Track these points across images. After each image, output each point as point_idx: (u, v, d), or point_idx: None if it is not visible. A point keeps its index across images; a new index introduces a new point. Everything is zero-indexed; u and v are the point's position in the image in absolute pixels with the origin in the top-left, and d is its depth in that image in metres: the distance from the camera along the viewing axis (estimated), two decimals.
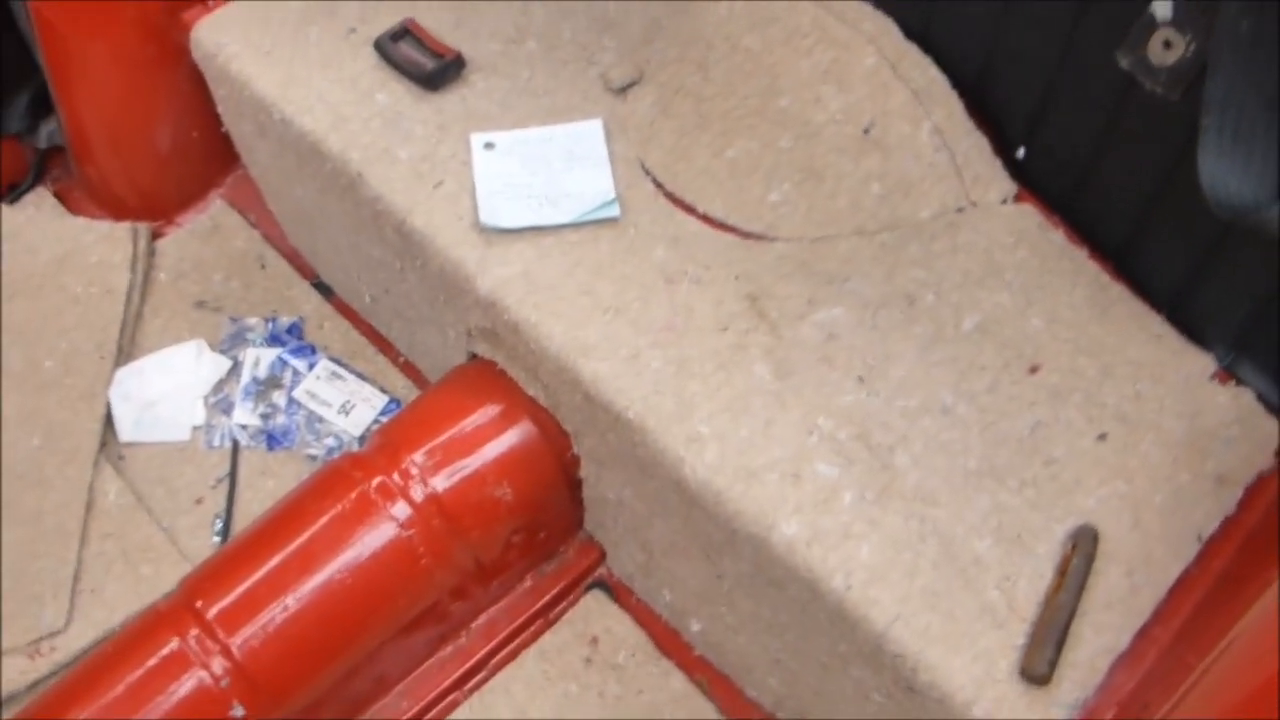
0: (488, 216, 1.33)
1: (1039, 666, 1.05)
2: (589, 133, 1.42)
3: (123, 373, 1.60)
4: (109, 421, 1.56)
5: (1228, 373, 1.26)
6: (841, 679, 1.20)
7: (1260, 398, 1.23)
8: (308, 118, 1.43)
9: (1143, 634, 1.09)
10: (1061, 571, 1.11)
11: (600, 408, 1.23)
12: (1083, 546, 1.11)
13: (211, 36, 1.52)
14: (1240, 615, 0.99)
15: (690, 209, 1.38)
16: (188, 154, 1.75)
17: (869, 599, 1.10)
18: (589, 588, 1.48)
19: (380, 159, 1.39)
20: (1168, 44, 1.15)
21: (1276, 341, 1.22)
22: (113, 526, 1.48)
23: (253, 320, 1.68)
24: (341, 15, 1.54)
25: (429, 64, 1.46)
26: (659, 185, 1.39)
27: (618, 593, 1.48)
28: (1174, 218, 1.26)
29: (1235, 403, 1.22)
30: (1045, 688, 1.05)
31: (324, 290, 1.72)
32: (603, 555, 1.49)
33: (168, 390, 1.59)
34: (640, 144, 1.43)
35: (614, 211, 1.35)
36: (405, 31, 1.49)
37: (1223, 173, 1.09)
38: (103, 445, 1.54)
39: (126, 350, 1.63)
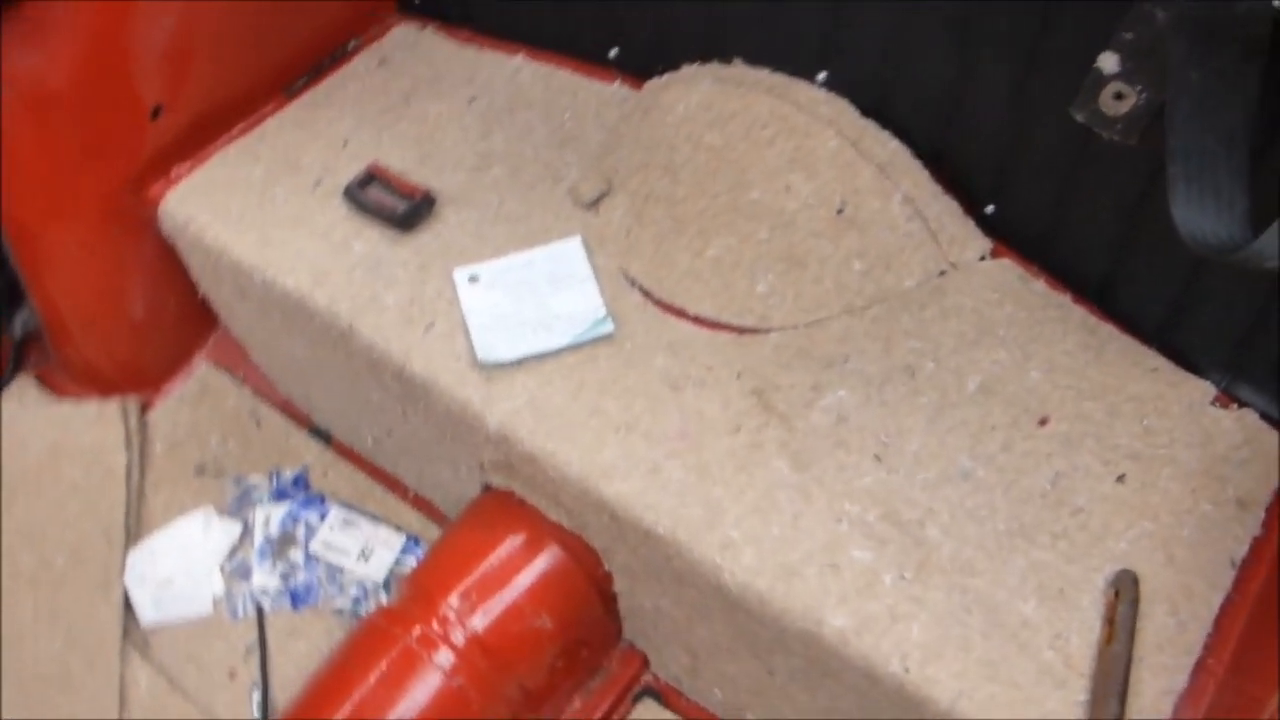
0: (485, 353, 1.34)
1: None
2: (569, 251, 1.44)
3: (134, 555, 1.58)
4: (128, 607, 1.54)
5: (1228, 395, 1.29)
6: None
7: (1264, 416, 1.26)
8: (290, 278, 1.44)
9: (1198, 669, 1.11)
10: (1109, 620, 1.13)
11: (629, 526, 1.24)
12: (1125, 592, 1.13)
13: (180, 209, 1.53)
14: None
15: (681, 312, 1.40)
16: (165, 322, 1.75)
17: (928, 679, 1.10)
18: (638, 697, 1.47)
19: (369, 308, 1.40)
20: (1119, 95, 1.19)
21: (1270, 358, 1.25)
22: (147, 714, 1.46)
23: (256, 478, 1.67)
24: (305, 170, 1.56)
25: (400, 206, 1.48)
26: (646, 293, 1.42)
27: (667, 696, 1.47)
28: (1149, 252, 1.30)
29: (1240, 424, 1.25)
30: None
31: (323, 436, 1.72)
32: (646, 662, 1.49)
33: (182, 565, 1.58)
34: (620, 255, 1.45)
35: (608, 328, 1.37)
36: (371, 176, 1.51)
37: (1195, 218, 1.12)
38: (126, 634, 1.51)
39: (134, 530, 1.61)
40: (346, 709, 1.26)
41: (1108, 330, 1.34)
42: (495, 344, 1.35)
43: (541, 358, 1.35)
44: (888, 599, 1.15)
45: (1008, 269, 1.40)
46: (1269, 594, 1.16)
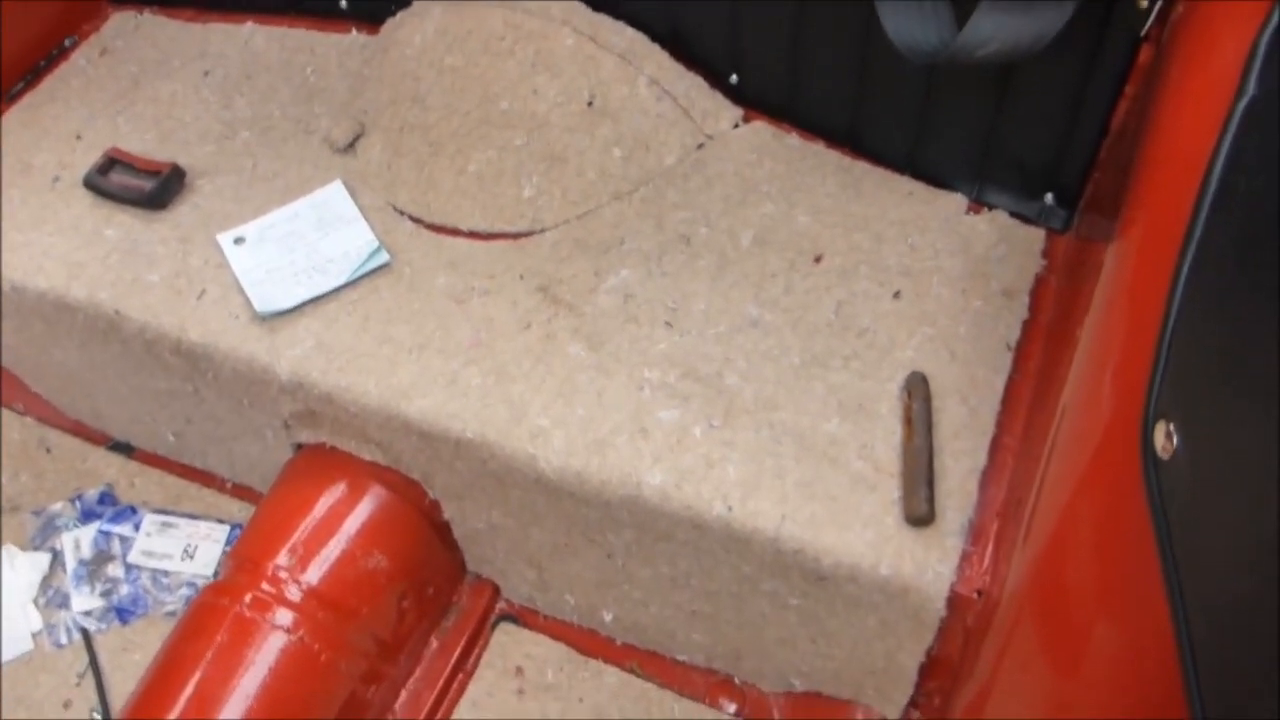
0: (262, 304, 1.30)
1: (919, 509, 1.11)
2: (332, 196, 1.42)
3: None
4: None
5: (978, 203, 1.36)
6: (756, 601, 1.23)
7: (1013, 214, 1.34)
8: (40, 278, 1.37)
9: (995, 446, 1.17)
10: (907, 420, 1.18)
11: (439, 441, 1.23)
12: (917, 391, 1.18)
13: None
14: (1058, 398, 1.07)
15: (455, 231, 1.39)
16: None
17: (751, 512, 1.13)
18: (495, 625, 1.46)
19: (132, 289, 1.34)
20: None
21: (1009, 160, 1.33)
22: None
23: (57, 505, 1.58)
24: (38, 170, 1.48)
25: (148, 184, 1.42)
26: (417, 220, 1.40)
27: (524, 618, 1.47)
28: (883, 89, 1.36)
29: (994, 225, 1.33)
30: (933, 525, 1.11)
31: (123, 449, 1.64)
32: (496, 590, 1.47)
33: None
34: (385, 189, 1.43)
35: (384, 258, 1.35)
36: (112, 161, 1.45)
37: (905, 27, 1.19)
38: None
39: None
40: (187, 692, 1.20)
41: (862, 167, 1.40)
42: (272, 295, 1.31)
43: (322, 300, 1.32)
44: (700, 449, 1.18)
45: (761, 131, 1.44)
46: (1051, 358, 1.23)
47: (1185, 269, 0.79)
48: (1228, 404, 0.72)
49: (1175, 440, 0.75)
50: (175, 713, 1.19)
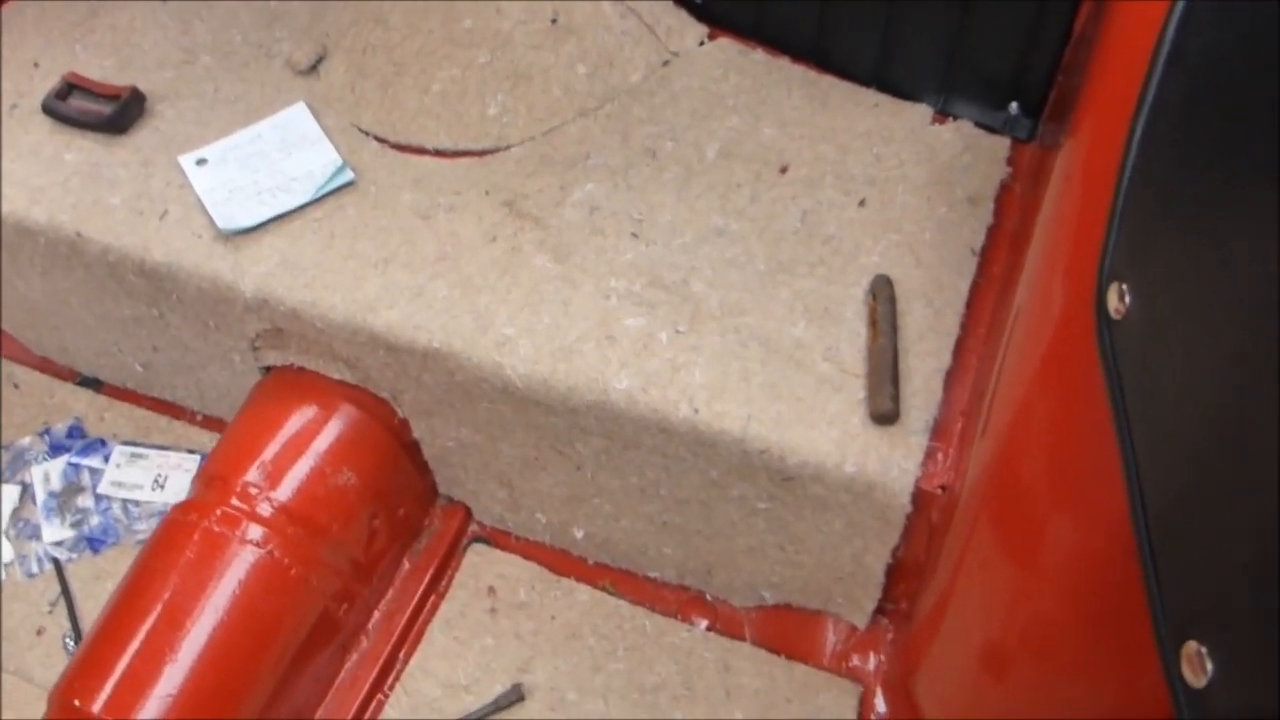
0: (225, 222, 1.29)
1: (884, 405, 1.11)
2: (295, 117, 1.41)
3: None
4: None
5: (943, 114, 1.36)
6: (725, 507, 1.23)
7: (978, 124, 1.34)
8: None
9: (960, 347, 1.18)
10: (872, 322, 1.18)
11: (406, 353, 1.23)
12: (881, 292, 1.19)
13: None
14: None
15: (420, 150, 1.39)
16: None
17: (718, 413, 1.14)
18: (467, 547, 1.46)
19: (93, 212, 1.33)
20: None
21: (975, 70, 1.33)
22: None
23: (26, 440, 1.57)
24: None
25: (107, 109, 1.41)
26: (382, 140, 1.39)
27: (496, 539, 1.47)
28: (848, 2, 1.35)
29: (959, 134, 1.33)
30: (897, 423, 1.12)
31: (92, 384, 1.63)
32: (468, 512, 1.47)
33: None
34: (349, 110, 1.42)
35: (348, 176, 1.34)
36: (70, 86, 1.43)
37: None
38: None
39: None
40: (160, 604, 1.20)
41: (828, 81, 1.40)
42: (235, 214, 1.31)
43: (287, 218, 1.31)
44: (666, 354, 1.18)
45: (726, 47, 1.44)
46: (1014, 263, 1.23)
47: (1138, 133, 0.79)
48: (1178, 262, 0.73)
49: (1128, 300, 0.75)
50: (146, 626, 1.19)
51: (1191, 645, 0.62)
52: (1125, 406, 0.75)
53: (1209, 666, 0.61)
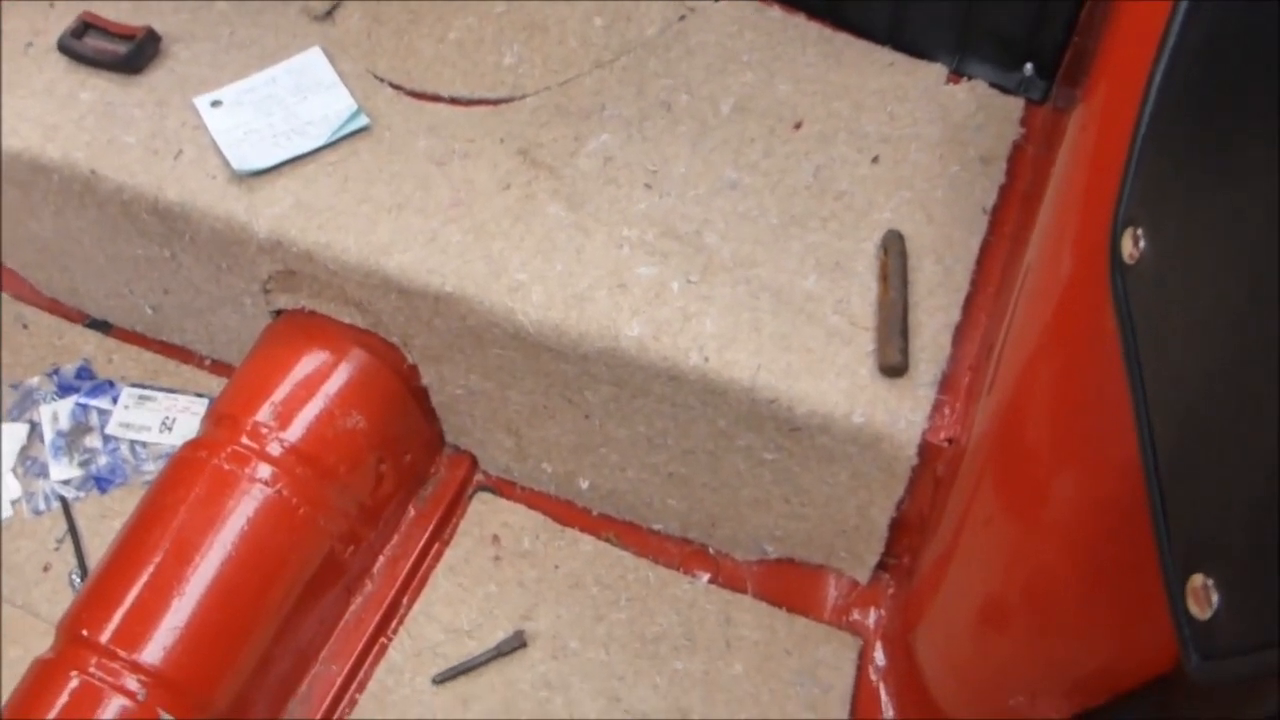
0: (240, 163, 1.30)
1: (893, 358, 1.12)
2: (311, 61, 1.41)
3: None
4: None
5: (957, 74, 1.37)
6: (732, 458, 1.24)
7: (992, 85, 1.34)
8: (14, 139, 1.36)
9: (969, 303, 1.19)
10: (883, 277, 1.19)
11: (418, 296, 1.23)
12: (893, 247, 1.19)
13: None
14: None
15: (435, 97, 1.39)
16: None
17: (728, 362, 1.14)
18: (472, 495, 1.47)
19: (108, 150, 1.34)
20: None
21: (991, 31, 1.33)
22: None
23: (35, 379, 1.58)
24: (10, 35, 1.47)
25: (123, 49, 1.41)
26: (397, 87, 1.40)
27: (500, 489, 1.48)
28: None
29: (973, 94, 1.33)
30: (905, 376, 1.13)
31: (101, 327, 1.64)
32: (474, 461, 1.48)
33: None
34: (365, 57, 1.42)
35: (363, 121, 1.34)
36: (87, 25, 1.43)
37: None
38: None
39: None
40: (168, 538, 1.21)
41: (843, 39, 1.40)
42: (249, 155, 1.31)
43: (301, 161, 1.32)
44: (678, 302, 1.18)
45: (742, 4, 1.43)
46: (1024, 223, 1.24)
47: (1157, 78, 0.79)
48: (1194, 207, 0.73)
49: (1142, 244, 0.76)
50: (155, 560, 1.20)
51: (1198, 579, 0.63)
52: (1137, 349, 0.75)
53: (1214, 599, 0.62)
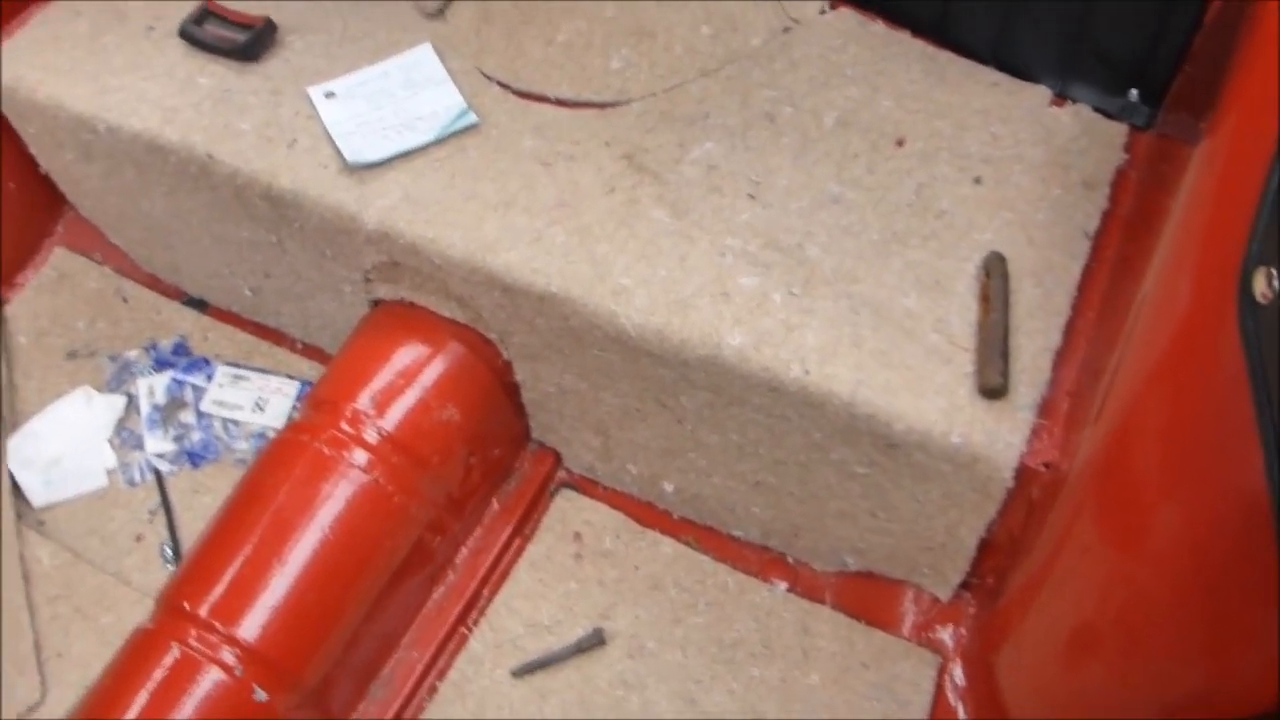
0: (353, 155, 1.33)
1: (993, 379, 1.13)
2: (422, 57, 1.44)
3: (14, 440, 1.52)
4: (18, 493, 1.49)
5: (1061, 98, 1.37)
6: (823, 470, 1.25)
7: (1097, 109, 1.34)
8: (136, 119, 1.40)
9: (1070, 328, 1.19)
10: (984, 298, 1.19)
11: (521, 295, 1.26)
12: (995, 269, 1.20)
13: (6, 71, 1.46)
14: (1138, 286, 1.09)
15: (542, 98, 1.41)
16: (7, 210, 1.67)
17: (828, 376, 1.16)
18: (555, 492, 1.49)
19: (224, 135, 1.37)
20: None
21: (1095, 56, 1.33)
22: (57, 589, 1.42)
23: (133, 353, 1.62)
24: (133, 18, 1.51)
25: (241, 37, 1.44)
26: (505, 86, 1.42)
27: (583, 487, 1.50)
28: None
29: (1077, 119, 1.33)
30: (1004, 398, 1.14)
31: (197, 305, 1.68)
32: (558, 458, 1.51)
33: (68, 444, 1.53)
34: (474, 55, 1.45)
35: (471, 119, 1.37)
36: (207, 13, 1.47)
37: None
38: (19, 516, 1.46)
39: (9, 420, 1.55)
40: (267, 517, 1.24)
41: (947, 57, 1.41)
42: (361, 147, 1.34)
43: (410, 156, 1.34)
44: (780, 314, 1.20)
45: (847, 18, 1.44)
46: (1127, 252, 1.24)
47: None
48: None
49: (1276, 284, 0.76)
50: (254, 538, 1.24)
51: None
52: (1267, 387, 0.76)
53: None
